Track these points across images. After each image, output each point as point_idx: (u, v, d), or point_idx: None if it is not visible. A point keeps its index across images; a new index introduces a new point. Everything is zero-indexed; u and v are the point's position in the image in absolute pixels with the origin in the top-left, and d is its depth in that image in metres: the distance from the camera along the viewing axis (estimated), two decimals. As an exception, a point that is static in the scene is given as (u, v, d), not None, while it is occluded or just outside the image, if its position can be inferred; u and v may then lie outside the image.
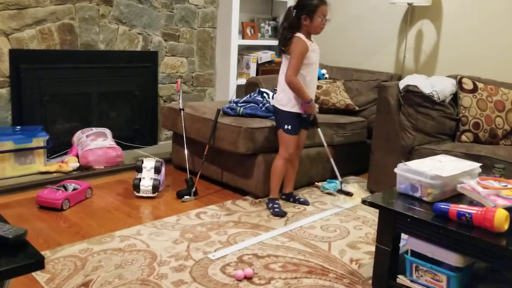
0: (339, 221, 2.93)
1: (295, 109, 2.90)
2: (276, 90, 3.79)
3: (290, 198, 3.20)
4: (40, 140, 3.35)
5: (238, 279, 2.17)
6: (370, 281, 2.11)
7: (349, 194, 3.26)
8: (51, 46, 3.60)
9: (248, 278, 2.19)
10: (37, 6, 3.47)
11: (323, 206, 3.17)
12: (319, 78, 4.10)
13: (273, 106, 3.04)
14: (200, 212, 2.93)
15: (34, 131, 3.37)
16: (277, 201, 3.01)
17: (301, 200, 3.18)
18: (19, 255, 1.18)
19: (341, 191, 3.29)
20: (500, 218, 1.61)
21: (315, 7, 2.78)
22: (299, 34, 2.82)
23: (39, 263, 1.14)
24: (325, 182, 3.52)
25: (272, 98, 3.62)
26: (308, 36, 2.86)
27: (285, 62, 2.88)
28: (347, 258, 2.44)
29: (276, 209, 2.96)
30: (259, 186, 3.20)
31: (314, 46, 2.90)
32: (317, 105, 3.19)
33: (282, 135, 2.94)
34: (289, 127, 2.92)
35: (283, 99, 2.92)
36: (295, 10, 2.85)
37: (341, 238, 2.68)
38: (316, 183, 3.55)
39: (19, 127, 3.43)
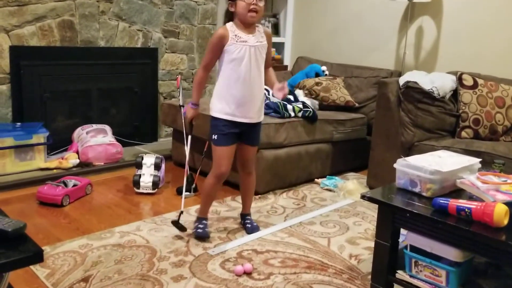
0: (339, 217, 2.93)
1: (224, 114, 2.36)
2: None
3: (242, 220, 2.74)
4: (40, 137, 3.36)
5: (237, 274, 2.18)
6: (369, 277, 2.11)
7: (182, 228, 2.57)
8: (51, 43, 3.60)
9: (248, 273, 2.19)
10: (37, 2, 3.47)
11: (322, 202, 3.17)
12: (318, 75, 4.10)
13: None
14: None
15: (34, 127, 3.38)
16: (203, 221, 2.55)
17: (246, 225, 2.65)
18: (18, 248, 1.18)
19: (176, 223, 2.56)
20: (499, 213, 1.60)
21: None
22: (228, 23, 2.35)
23: (38, 256, 1.14)
24: (324, 179, 3.53)
25: (272, 95, 3.62)
26: (243, 25, 2.32)
27: None
28: (346, 254, 2.44)
29: (199, 230, 2.50)
30: (259, 183, 3.18)
31: (246, 36, 2.32)
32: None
33: (212, 148, 2.44)
34: (215, 137, 2.38)
35: (212, 101, 2.42)
36: None
37: (340, 234, 2.68)
38: (315, 179, 3.55)
39: (19, 123, 3.44)
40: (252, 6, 2.25)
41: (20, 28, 3.43)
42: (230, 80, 2.33)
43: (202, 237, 2.50)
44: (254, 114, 2.42)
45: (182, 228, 2.55)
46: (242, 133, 2.43)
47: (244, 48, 2.30)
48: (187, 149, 2.80)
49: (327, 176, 3.57)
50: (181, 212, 2.61)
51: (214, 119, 2.40)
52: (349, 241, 2.59)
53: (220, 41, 2.30)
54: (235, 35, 2.30)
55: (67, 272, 2.13)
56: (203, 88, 2.49)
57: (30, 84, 3.53)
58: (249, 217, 2.71)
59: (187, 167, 2.78)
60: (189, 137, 2.67)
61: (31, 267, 2.15)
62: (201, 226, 2.52)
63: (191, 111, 2.49)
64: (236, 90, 2.33)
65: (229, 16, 2.36)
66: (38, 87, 3.58)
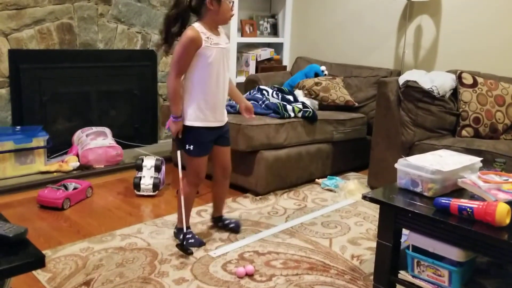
0: (340, 217, 2.92)
1: (199, 122, 2.27)
2: (276, 87, 3.82)
3: (219, 222, 2.67)
4: (40, 140, 3.35)
5: (239, 276, 2.17)
6: (372, 277, 2.11)
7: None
8: (50, 46, 3.60)
9: (249, 275, 2.19)
10: (36, 6, 3.47)
11: (323, 202, 3.17)
12: (318, 75, 4.10)
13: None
14: (201, 210, 2.93)
15: (34, 131, 3.38)
16: (189, 231, 2.45)
17: (231, 226, 2.62)
18: (20, 253, 1.18)
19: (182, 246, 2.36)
20: (501, 212, 1.60)
21: None
22: (195, 24, 2.20)
23: (39, 261, 1.14)
24: (325, 179, 3.53)
25: (272, 95, 3.62)
26: (212, 26, 2.22)
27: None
28: (348, 254, 2.44)
29: (190, 240, 2.41)
30: (260, 184, 3.19)
31: (216, 38, 2.22)
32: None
33: (187, 157, 2.34)
34: (191, 147, 2.29)
35: (183, 109, 2.28)
36: None
37: (342, 235, 2.67)
38: (316, 179, 3.55)
39: (19, 127, 3.43)
40: (232, 10, 2.24)
41: (19, 32, 3.43)
42: (204, 85, 2.23)
43: (199, 246, 2.43)
44: (225, 116, 2.39)
45: (186, 251, 2.35)
46: (217, 137, 2.38)
47: (216, 50, 2.21)
48: (179, 166, 2.37)
49: (328, 176, 3.56)
50: (187, 232, 2.43)
51: (188, 128, 2.28)
52: (350, 242, 2.59)
53: (194, 45, 2.15)
54: (207, 37, 2.18)
55: (68, 276, 2.12)
56: (180, 97, 2.25)
57: (29, 87, 3.53)
58: (225, 217, 2.68)
59: (181, 184, 2.40)
60: (178, 152, 2.35)
61: (33, 271, 2.15)
62: (189, 236, 2.43)
63: (174, 125, 2.26)
64: (210, 95, 2.25)
65: (192, 13, 2.22)
66: (37, 90, 3.58)
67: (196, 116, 2.26)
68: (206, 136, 2.32)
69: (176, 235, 2.51)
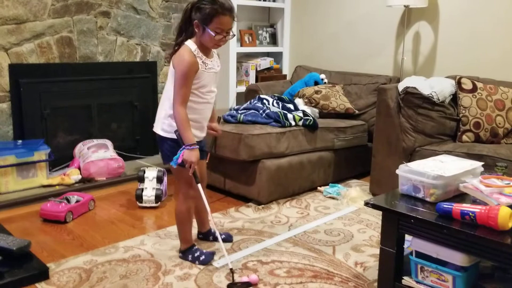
0: (343, 225, 2.92)
1: None
2: (276, 96, 3.83)
3: (209, 236, 2.64)
4: (41, 154, 3.36)
5: (253, 283, 2.18)
6: (376, 284, 2.10)
7: None
8: (50, 60, 3.62)
9: (254, 285, 2.18)
10: (35, 20, 3.50)
11: (326, 210, 3.17)
12: (318, 83, 4.11)
13: (156, 133, 2.31)
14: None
15: (35, 144, 3.39)
16: (195, 248, 2.41)
17: (222, 236, 2.55)
18: (24, 266, 1.18)
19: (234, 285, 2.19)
20: (504, 216, 1.60)
21: (210, 15, 2.06)
22: (189, 43, 2.16)
23: (43, 274, 1.14)
24: (327, 187, 3.52)
25: (273, 104, 3.64)
26: (203, 47, 2.18)
27: (171, 76, 2.19)
28: (352, 262, 2.43)
29: (202, 257, 2.36)
30: (262, 193, 3.19)
31: (211, 62, 2.22)
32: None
33: (177, 170, 2.24)
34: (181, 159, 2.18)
35: (169, 123, 2.23)
36: (191, 8, 2.15)
37: (345, 242, 2.67)
38: (318, 187, 3.55)
39: (20, 141, 3.44)
40: (218, 41, 2.14)
41: (19, 46, 3.45)
42: (194, 105, 2.20)
43: (210, 260, 2.38)
44: (205, 132, 2.40)
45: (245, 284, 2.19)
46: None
47: (210, 75, 2.22)
48: (206, 202, 2.30)
49: (330, 184, 3.56)
50: (232, 271, 2.25)
51: (173, 141, 2.21)
52: (354, 249, 2.58)
53: (194, 71, 2.13)
54: (203, 62, 2.17)
55: (72, 289, 2.12)
56: (190, 124, 2.16)
57: (30, 101, 3.54)
58: (214, 230, 2.60)
59: (211, 218, 2.44)
60: (199, 186, 2.26)
61: (36, 284, 2.15)
62: (198, 254, 2.37)
63: (192, 153, 2.12)
64: (199, 114, 2.25)
65: (186, 33, 2.18)
66: (38, 104, 3.59)
67: None
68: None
69: (186, 257, 2.40)
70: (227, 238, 2.63)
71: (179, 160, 2.12)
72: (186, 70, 2.11)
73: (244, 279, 2.19)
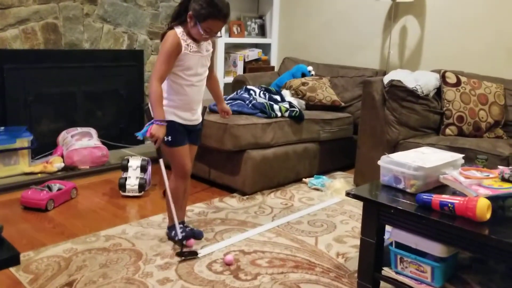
0: (326, 216, 2.93)
1: (174, 117, 2.29)
2: (263, 87, 3.82)
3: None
4: (24, 141, 3.32)
5: (228, 264, 2.26)
6: (356, 274, 2.12)
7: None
8: (34, 46, 3.57)
9: (228, 265, 2.26)
10: (20, 5, 3.44)
11: (310, 201, 3.17)
12: (305, 75, 4.11)
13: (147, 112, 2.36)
14: (187, 210, 2.90)
15: (18, 131, 3.34)
16: (179, 225, 2.40)
17: (194, 229, 2.56)
18: (-5, 251, 1.16)
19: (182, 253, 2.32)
20: (482, 207, 1.61)
21: (204, 17, 2.16)
22: (178, 29, 2.23)
23: (14, 259, 1.12)
24: (312, 178, 3.53)
25: (259, 95, 3.62)
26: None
27: None
28: (334, 252, 2.44)
29: (182, 234, 2.38)
30: (247, 183, 3.19)
31: (196, 46, 2.26)
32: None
33: (166, 150, 2.34)
34: (169, 138, 2.28)
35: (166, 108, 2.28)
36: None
37: (328, 233, 2.68)
38: (303, 179, 3.55)
39: (2, 127, 3.39)
40: (204, 38, 2.24)
41: (3, 31, 3.39)
42: (179, 86, 2.27)
43: (189, 237, 2.42)
44: (198, 117, 2.42)
45: (192, 253, 2.33)
46: (189, 133, 2.40)
47: (195, 57, 2.26)
48: (164, 176, 2.31)
49: (315, 176, 3.57)
50: (181, 242, 2.37)
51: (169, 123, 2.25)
52: (336, 240, 2.59)
53: (176, 50, 2.19)
54: (187, 45, 2.22)
55: (51, 277, 2.10)
56: (162, 101, 2.22)
57: (13, 88, 3.49)
58: (187, 224, 2.59)
59: (168, 195, 2.36)
60: (161, 161, 2.31)
61: (14, 272, 2.12)
62: (180, 230, 2.37)
63: (160, 129, 2.16)
64: (185, 95, 2.29)
65: (181, 19, 2.24)
66: (22, 91, 3.54)
67: (170, 112, 2.28)
68: (181, 127, 2.33)
69: (169, 234, 2.49)
70: (198, 236, 2.53)
71: (147, 134, 2.16)
72: (169, 48, 2.18)
73: (228, 257, 2.28)
